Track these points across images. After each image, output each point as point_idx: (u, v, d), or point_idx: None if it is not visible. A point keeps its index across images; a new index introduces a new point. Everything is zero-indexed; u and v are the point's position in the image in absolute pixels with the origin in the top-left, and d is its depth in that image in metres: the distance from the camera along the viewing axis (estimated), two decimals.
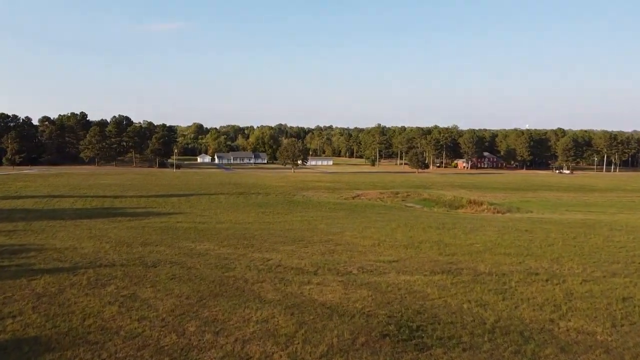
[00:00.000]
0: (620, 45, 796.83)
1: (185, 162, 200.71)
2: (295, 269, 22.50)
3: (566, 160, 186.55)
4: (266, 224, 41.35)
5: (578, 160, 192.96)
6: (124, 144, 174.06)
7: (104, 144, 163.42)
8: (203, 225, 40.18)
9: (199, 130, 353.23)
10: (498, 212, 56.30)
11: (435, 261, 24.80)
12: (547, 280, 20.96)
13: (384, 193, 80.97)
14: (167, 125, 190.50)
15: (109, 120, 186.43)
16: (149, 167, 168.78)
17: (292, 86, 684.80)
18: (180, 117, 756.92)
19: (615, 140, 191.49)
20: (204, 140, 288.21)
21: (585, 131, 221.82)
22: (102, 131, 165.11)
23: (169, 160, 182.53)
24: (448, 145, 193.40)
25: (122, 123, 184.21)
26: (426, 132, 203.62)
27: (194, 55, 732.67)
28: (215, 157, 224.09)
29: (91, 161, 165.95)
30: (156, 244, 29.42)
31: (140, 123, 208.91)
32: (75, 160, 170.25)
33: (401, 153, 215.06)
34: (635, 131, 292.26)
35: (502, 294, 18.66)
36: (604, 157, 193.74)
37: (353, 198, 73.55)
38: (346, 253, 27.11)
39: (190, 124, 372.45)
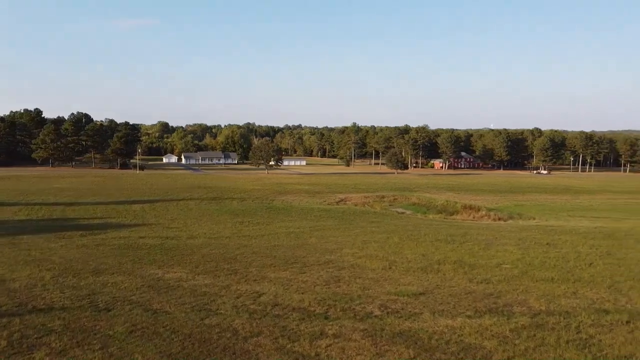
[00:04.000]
0: (587, 47, 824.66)
1: (150, 163, 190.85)
2: (299, 311, 17.03)
3: (543, 161, 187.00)
4: (247, 239, 35.52)
5: (554, 160, 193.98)
6: (83, 143, 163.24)
7: (59, 143, 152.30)
8: (172, 241, 33.99)
9: (164, 129, 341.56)
10: (500, 219, 52.31)
11: (470, 293, 19.83)
12: (627, 323, 16.21)
13: (368, 197, 76.24)
14: (130, 123, 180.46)
15: (66, 118, 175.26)
16: (109, 168, 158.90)
17: (259, 85, 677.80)
18: (144, 115, 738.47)
19: (590, 140, 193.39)
20: (169, 140, 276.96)
21: (556, 131, 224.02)
22: (57, 129, 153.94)
23: (132, 161, 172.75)
24: (425, 145, 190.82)
25: (81, 121, 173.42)
26: (403, 131, 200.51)
27: (159, 53, 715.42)
28: (183, 157, 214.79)
29: (45, 162, 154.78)
30: (112, 272, 23.36)
31: (101, 121, 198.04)
32: (27, 161, 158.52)
33: (375, 153, 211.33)
34: (593, 131, 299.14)
35: (586, 349, 13.73)
36: (579, 157, 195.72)
37: (337, 203, 68.43)
38: (355, 281, 21.83)
39: (154, 122, 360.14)
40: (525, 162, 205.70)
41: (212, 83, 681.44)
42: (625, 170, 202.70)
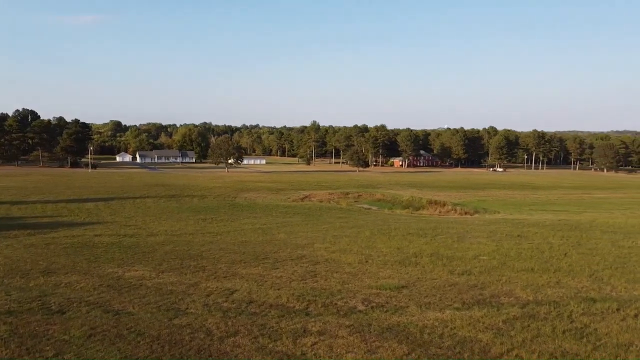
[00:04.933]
0: (536, 52, 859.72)
1: (102, 162, 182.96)
2: (277, 307, 15.76)
3: (499, 158, 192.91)
4: (212, 235, 33.74)
5: (509, 158, 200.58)
6: (29, 141, 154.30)
7: (2, 140, 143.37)
8: (130, 239, 31.77)
9: (117, 127, 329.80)
10: (466, 213, 52.60)
11: (454, 285, 19.16)
12: (618, 310, 15.90)
13: (333, 194, 75.46)
14: (81, 121, 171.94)
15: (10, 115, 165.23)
16: (59, 167, 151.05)
17: (215, 85, 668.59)
18: (95, 115, 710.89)
19: (542, 138, 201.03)
20: (123, 138, 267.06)
21: (509, 130, 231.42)
22: (0, 125, 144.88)
23: (83, 160, 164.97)
24: (385, 143, 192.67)
25: (27, 118, 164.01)
26: (362, 130, 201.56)
27: (112, 51, 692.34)
28: (137, 156, 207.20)
29: None
30: (66, 271, 21.30)
31: (49, 119, 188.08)
32: None
33: (335, 152, 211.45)
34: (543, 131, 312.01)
35: (584, 338, 13.20)
36: (532, 155, 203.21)
37: (302, 200, 67.21)
38: (333, 276, 20.74)
39: (106, 122, 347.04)
40: (482, 160, 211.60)
41: (167, 82, 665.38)
42: (574, 168, 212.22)
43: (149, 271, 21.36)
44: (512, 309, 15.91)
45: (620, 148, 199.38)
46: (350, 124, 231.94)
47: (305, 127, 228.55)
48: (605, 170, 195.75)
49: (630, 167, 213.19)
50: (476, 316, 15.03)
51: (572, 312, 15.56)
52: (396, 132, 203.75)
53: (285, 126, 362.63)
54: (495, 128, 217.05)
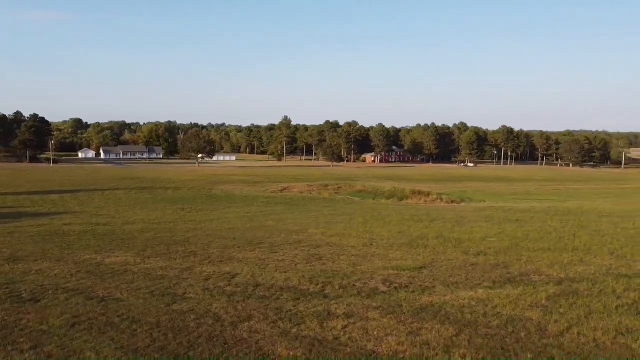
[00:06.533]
0: (503, 51, 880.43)
1: (64, 158, 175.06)
2: (289, 290, 13.97)
3: (469, 154, 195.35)
4: (195, 223, 31.39)
5: (479, 154, 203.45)
6: None
7: None
8: (105, 227, 29.05)
9: (78, 125, 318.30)
10: (453, 202, 51.85)
11: (474, 265, 17.79)
12: None
13: (312, 186, 73.60)
14: (40, 116, 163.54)
15: None
16: (17, 162, 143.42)
17: (179, 83, 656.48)
18: (54, 114, 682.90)
19: (511, 134, 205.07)
20: (85, 135, 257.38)
21: (478, 128, 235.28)
22: None
23: (43, 155, 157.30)
24: (357, 139, 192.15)
25: None
26: (335, 125, 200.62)
27: (71, 49, 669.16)
28: (102, 151, 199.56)
29: None
30: (35, 259, 18.76)
31: (4, 115, 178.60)
32: None
33: (306, 149, 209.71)
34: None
35: None
36: (501, 150, 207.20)
37: (281, 191, 65.13)
38: (340, 258, 19.04)
39: (66, 120, 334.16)
40: (452, 155, 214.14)
41: (129, 80, 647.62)
42: (541, 164, 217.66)
43: (132, 257, 19.12)
44: (548, 286, 14.66)
45: (584, 144, 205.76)
46: (318, 122, 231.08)
47: (274, 125, 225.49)
48: (571, 165, 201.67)
49: (593, 163, 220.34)
50: (514, 294, 13.71)
51: (615, 289, 14.39)
52: (367, 128, 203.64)
53: (253, 124, 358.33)
54: (465, 124, 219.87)
